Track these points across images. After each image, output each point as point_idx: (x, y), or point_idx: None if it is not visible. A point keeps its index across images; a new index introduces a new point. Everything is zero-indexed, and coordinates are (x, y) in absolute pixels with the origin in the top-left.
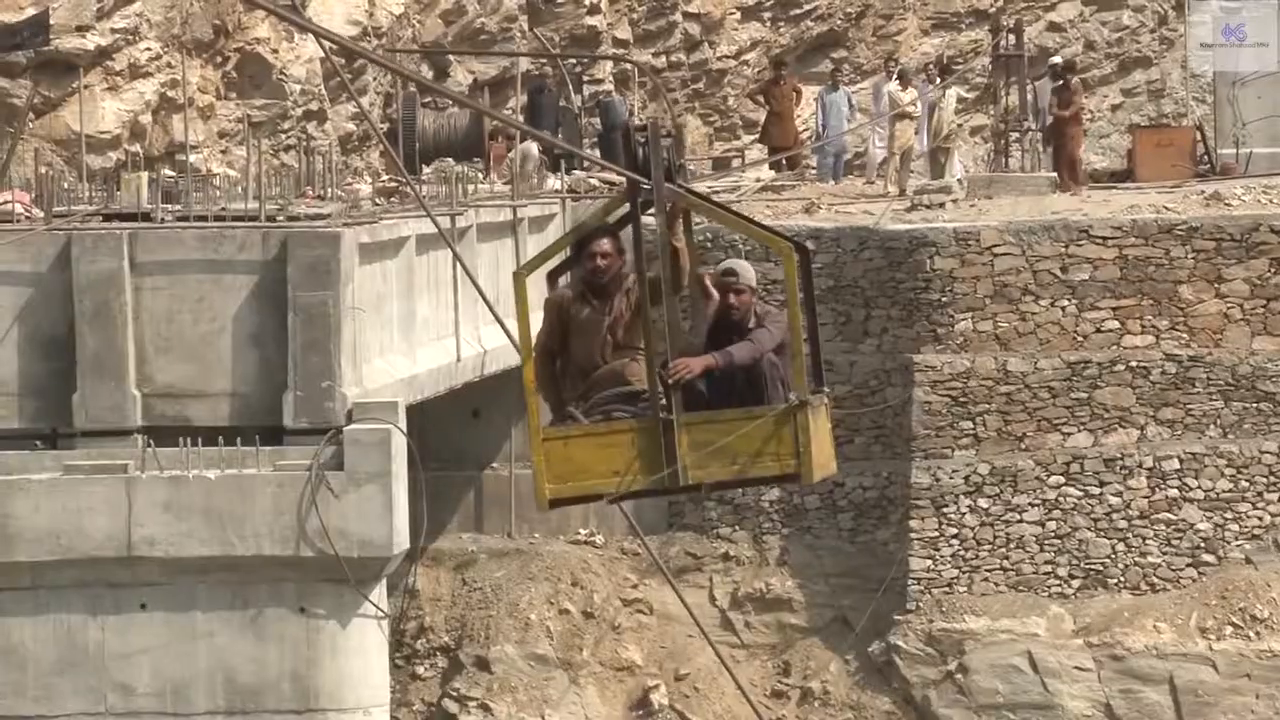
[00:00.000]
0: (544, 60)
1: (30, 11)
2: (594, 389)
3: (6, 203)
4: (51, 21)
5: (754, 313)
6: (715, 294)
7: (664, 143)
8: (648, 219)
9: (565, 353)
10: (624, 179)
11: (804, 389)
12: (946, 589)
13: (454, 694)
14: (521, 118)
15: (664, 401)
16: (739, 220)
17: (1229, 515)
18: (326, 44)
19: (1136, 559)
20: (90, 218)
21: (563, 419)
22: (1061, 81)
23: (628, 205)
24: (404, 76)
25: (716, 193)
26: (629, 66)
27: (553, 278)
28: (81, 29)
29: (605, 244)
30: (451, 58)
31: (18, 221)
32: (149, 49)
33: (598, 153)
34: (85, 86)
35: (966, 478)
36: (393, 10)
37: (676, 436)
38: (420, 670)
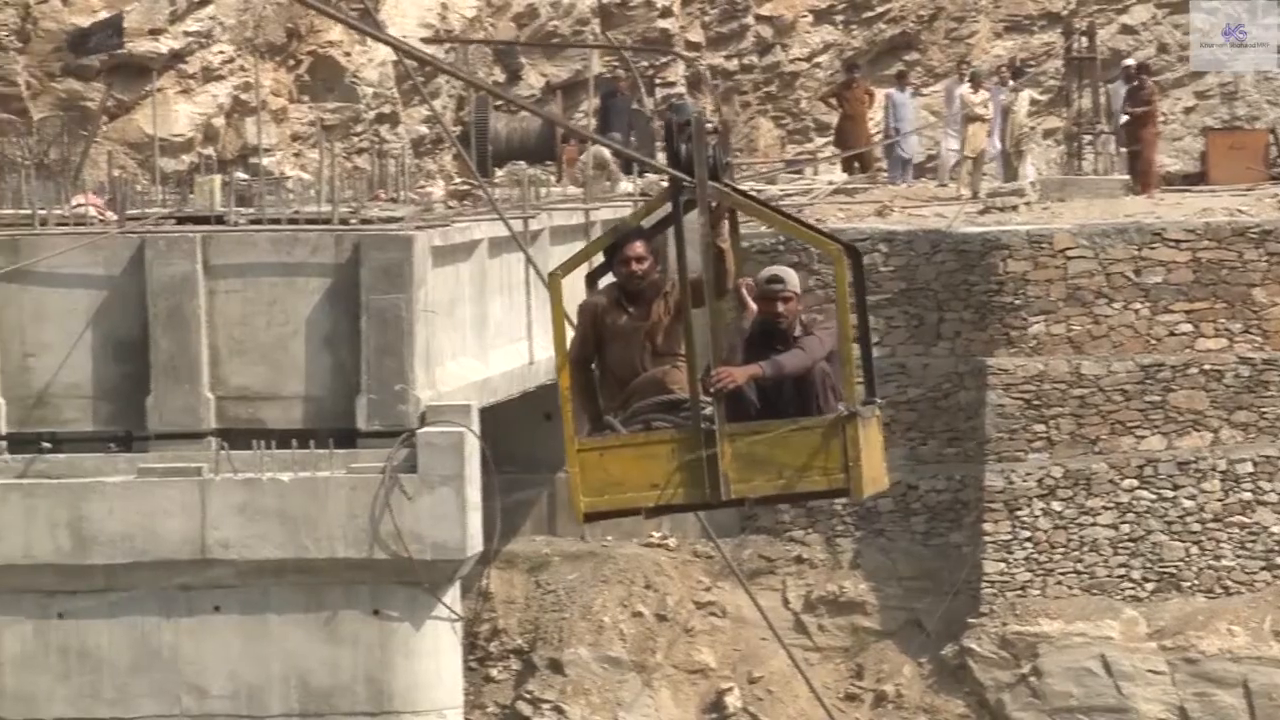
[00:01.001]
0: (616, 64)
1: (104, 15)
2: (633, 398)
3: (80, 206)
4: (125, 25)
5: (800, 321)
6: (753, 306)
7: (709, 139)
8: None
9: (602, 361)
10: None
11: (854, 399)
12: (1020, 592)
13: (527, 696)
14: (594, 121)
15: (707, 411)
16: (786, 221)
17: None
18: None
19: (1210, 562)
20: (164, 221)
21: (600, 429)
22: (1135, 84)
23: (670, 205)
24: (472, 84)
25: (789, 195)
26: (701, 68)
27: (592, 279)
28: (155, 32)
29: (639, 247)
30: (524, 60)
31: (91, 225)
32: (222, 52)
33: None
34: (158, 90)
35: (1040, 481)
36: (465, 13)
37: (719, 448)
38: (494, 672)
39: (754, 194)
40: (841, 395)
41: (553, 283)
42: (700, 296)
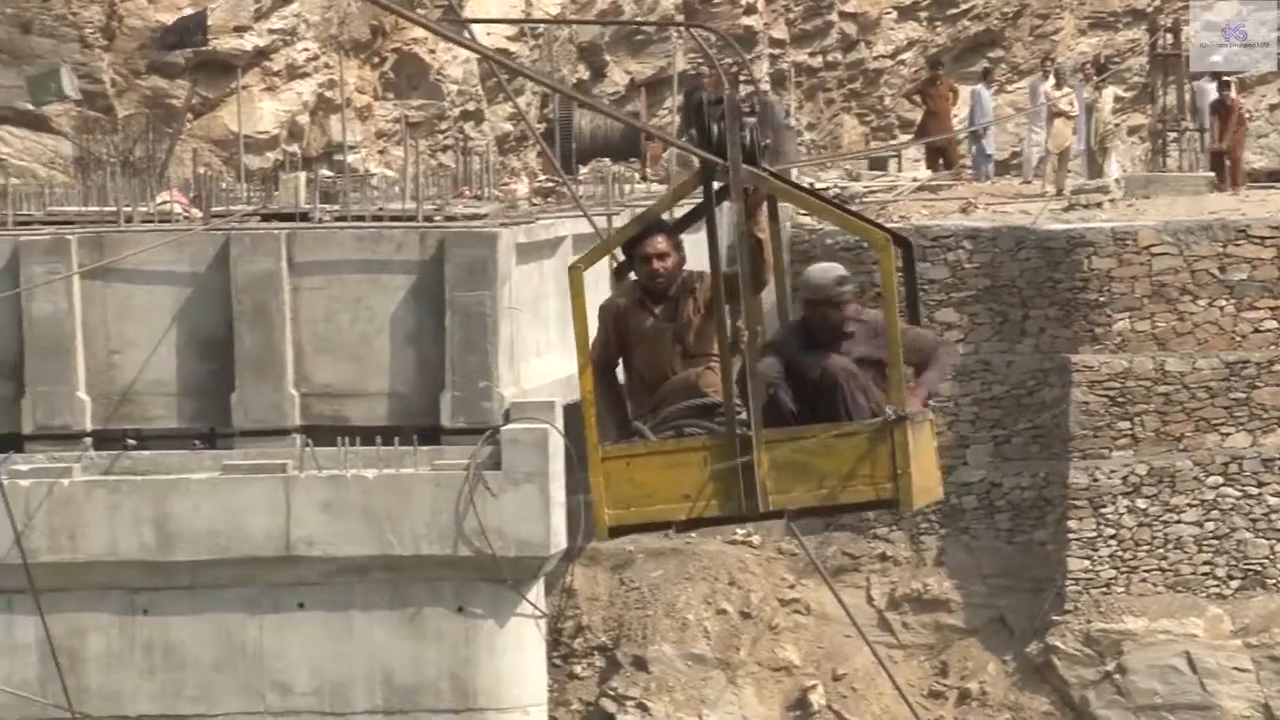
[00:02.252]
0: (700, 60)
1: (189, 12)
2: (663, 403)
3: (165, 203)
4: (209, 22)
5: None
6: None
7: (747, 119)
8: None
9: (628, 364)
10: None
11: (903, 402)
12: (1104, 589)
13: (611, 693)
14: (678, 118)
15: (742, 416)
16: (830, 208)
17: None
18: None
19: None
20: (248, 218)
21: (628, 436)
22: (1221, 80)
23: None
24: (551, 87)
25: (873, 193)
26: (785, 66)
27: (620, 273)
28: (239, 29)
29: (661, 242)
30: (608, 58)
31: (176, 222)
32: (306, 49)
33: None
34: (243, 87)
35: (1124, 478)
36: (549, 10)
37: (755, 456)
38: (578, 669)
39: (802, 183)
40: (874, 397)
41: (573, 276)
42: (735, 292)
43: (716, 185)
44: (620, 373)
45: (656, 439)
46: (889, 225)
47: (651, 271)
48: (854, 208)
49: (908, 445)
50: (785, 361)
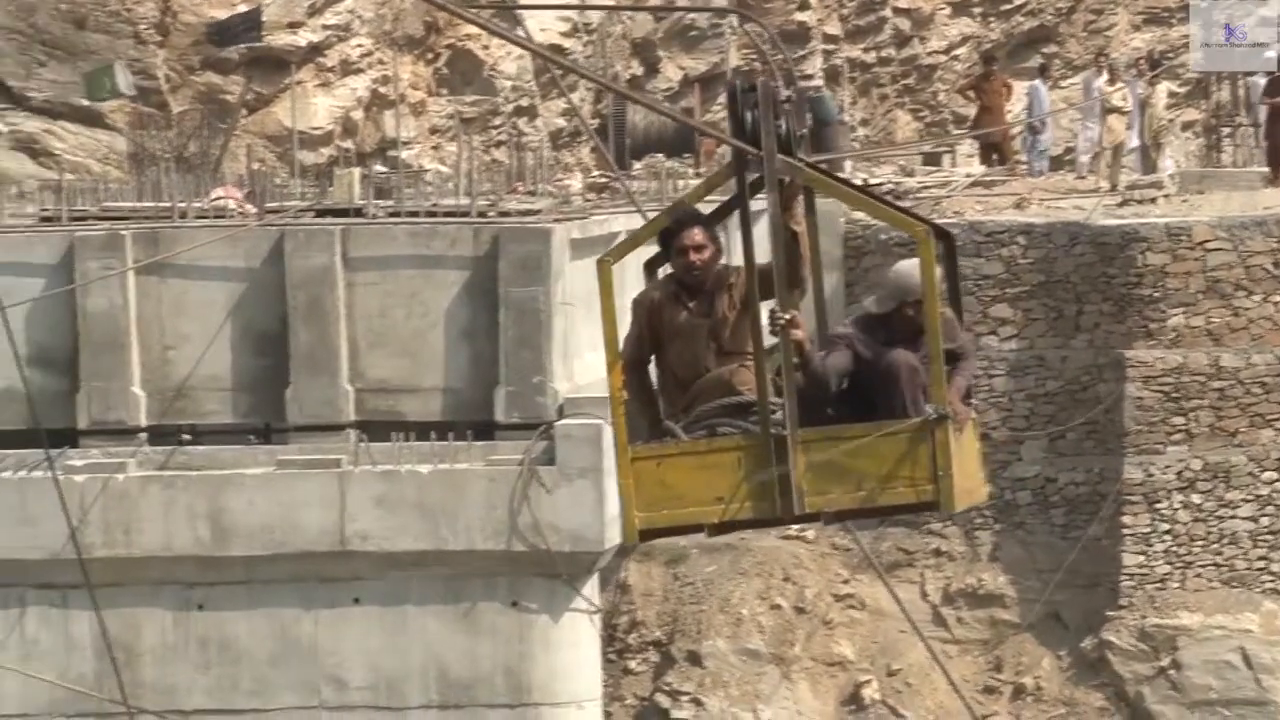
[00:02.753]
0: (753, 56)
1: (243, 8)
2: (697, 401)
3: (220, 199)
4: (263, 18)
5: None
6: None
7: (782, 107)
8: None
9: (661, 361)
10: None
11: (945, 400)
12: (1159, 585)
13: (666, 688)
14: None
15: (778, 416)
16: (868, 200)
17: None
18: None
19: None
20: (303, 213)
21: (660, 436)
22: (1274, 75)
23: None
24: (601, 85)
25: (927, 189)
26: (839, 62)
27: (651, 267)
28: (293, 25)
29: (697, 234)
30: (662, 54)
31: (231, 217)
32: (360, 45)
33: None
34: (297, 83)
35: (1179, 473)
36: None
37: (791, 456)
38: (632, 664)
39: (839, 175)
40: (930, 395)
41: (602, 270)
42: (770, 287)
43: (752, 176)
44: (653, 370)
45: (688, 439)
46: (935, 220)
47: (688, 264)
48: (906, 203)
49: (949, 445)
50: (857, 356)
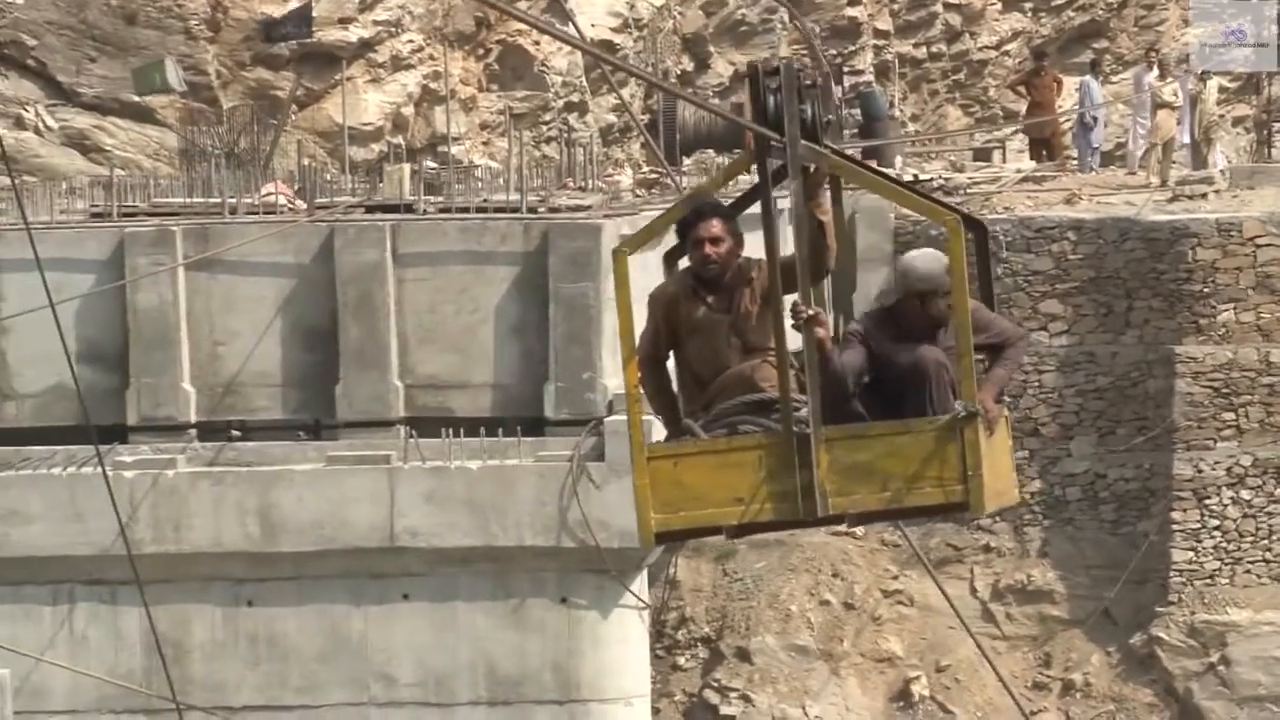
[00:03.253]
0: (804, 52)
1: (294, 4)
2: (718, 398)
3: (270, 194)
4: (314, 14)
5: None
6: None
7: (808, 92)
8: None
9: (680, 357)
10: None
11: (974, 396)
12: (1209, 581)
13: (715, 684)
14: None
15: (802, 414)
16: (896, 189)
17: None
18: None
19: None
20: (353, 209)
21: (680, 434)
22: None
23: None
24: (651, 83)
25: (977, 184)
26: (889, 57)
27: (671, 259)
28: (344, 21)
29: (716, 226)
30: (712, 49)
31: (281, 213)
32: (411, 41)
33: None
34: (347, 79)
35: (1229, 469)
36: (654, 2)
37: (814, 455)
38: (681, 661)
39: (864, 161)
40: (960, 392)
41: (618, 260)
42: (793, 280)
43: (776, 165)
44: (672, 367)
45: (708, 437)
46: (966, 210)
47: (704, 257)
48: (956, 199)
49: (979, 445)
50: (871, 353)
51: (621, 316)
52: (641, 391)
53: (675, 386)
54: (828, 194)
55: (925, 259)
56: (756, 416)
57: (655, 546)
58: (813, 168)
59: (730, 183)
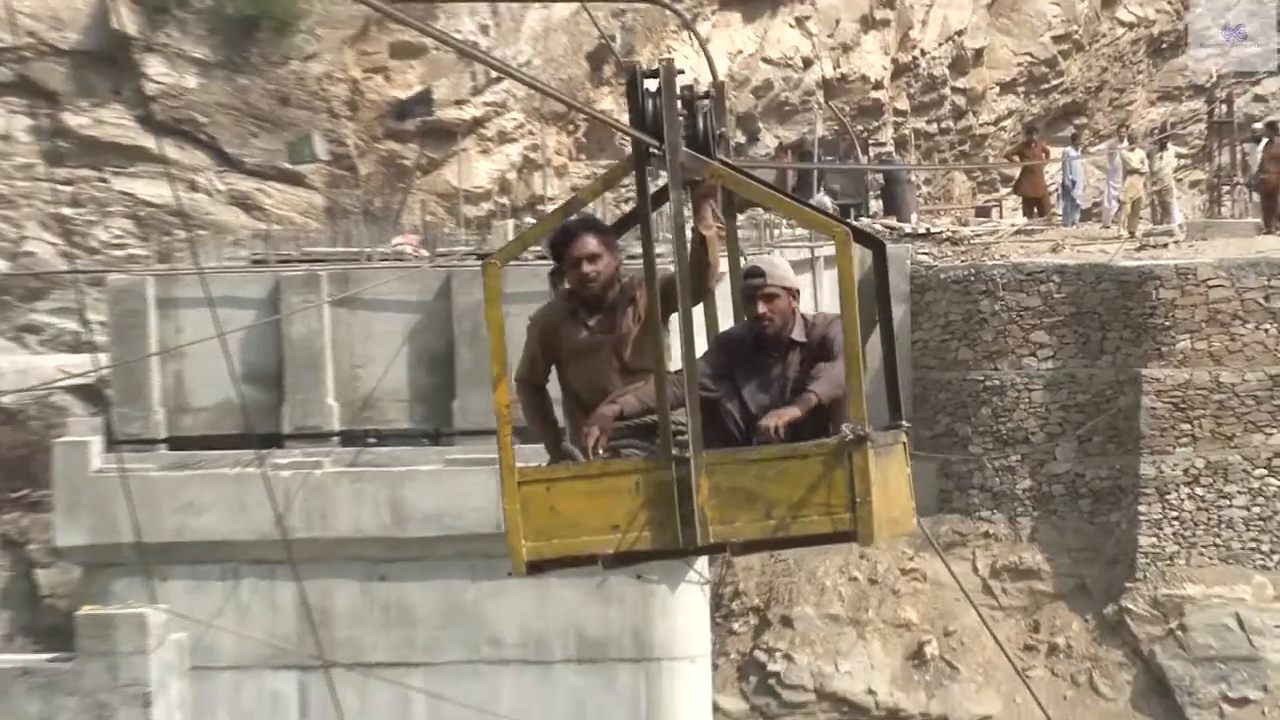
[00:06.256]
0: (837, 127)
1: (418, 89)
2: None
3: (399, 245)
4: (435, 96)
5: (803, 320)
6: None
7: (701, 103)
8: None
9: (562, 380)
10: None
11: (863, 418)
12: (1169, 562)
13: (763, 646)
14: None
15: (683, 438)
16: (784, 200)
17: None
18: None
19: None
20: (467, 257)
21: (560, 459)
22: (1268, 140)
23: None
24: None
25: (978, 236)
26: (906, 132)
27: (556, 280)
28: (459, 102)
29: (591, 243)
30: (760, 125)
31: (408, 260)
32: (514, 119)
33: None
34: (462, 150)
35: (1185, 470)
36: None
37: (694, 481)
38: (735, 626)
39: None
40: (850, 415)
41: (488, 272)
42: (673, 299)
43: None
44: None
45: (584, 461)
46: (863, 226)
47: (582, 276)
48: (961, 248)
49: (869, 470)
50: (712, 390)
51: (492, 333)
52: (513, 413)
53: (560, 410)
54: (715, 209)
55: (761, 259)
56: (640, 440)
57: (526, 576)
58: (700, 180)
59: (609, 191)
